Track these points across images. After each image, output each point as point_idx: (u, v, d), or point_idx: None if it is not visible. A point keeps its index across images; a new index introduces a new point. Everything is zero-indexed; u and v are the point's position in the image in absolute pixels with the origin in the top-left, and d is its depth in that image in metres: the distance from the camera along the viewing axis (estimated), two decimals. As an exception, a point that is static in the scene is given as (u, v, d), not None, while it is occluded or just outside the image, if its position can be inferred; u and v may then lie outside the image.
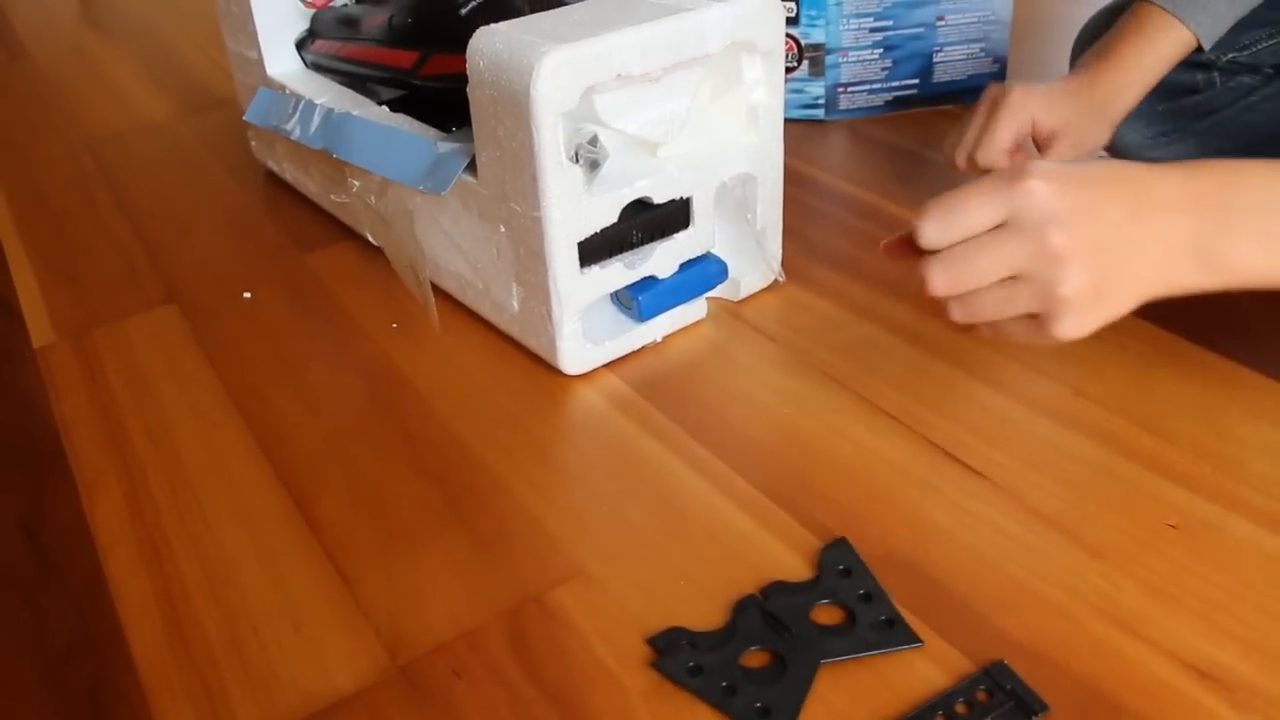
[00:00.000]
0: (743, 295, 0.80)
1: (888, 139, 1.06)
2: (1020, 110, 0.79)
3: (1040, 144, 0.81)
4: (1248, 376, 0.68)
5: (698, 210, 0.72)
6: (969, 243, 0.53)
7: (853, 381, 0.70)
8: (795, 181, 0.94)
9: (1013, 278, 0.53)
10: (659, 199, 0.70)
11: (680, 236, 0.73)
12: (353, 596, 0.56)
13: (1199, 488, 0.59)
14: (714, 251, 0.76)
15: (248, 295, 0.83)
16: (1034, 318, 0.54)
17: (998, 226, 0.53)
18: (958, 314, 0.56)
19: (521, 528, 0.60)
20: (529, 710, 0.50)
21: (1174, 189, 0.53)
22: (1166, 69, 0.80)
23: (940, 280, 0.54)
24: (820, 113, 1.11)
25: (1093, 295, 0.52)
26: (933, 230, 0.54)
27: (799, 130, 1.08)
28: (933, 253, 0.55)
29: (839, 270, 0.83)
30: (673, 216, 0.72)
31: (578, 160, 0.65)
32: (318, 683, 0.51)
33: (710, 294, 0.78)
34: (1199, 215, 0.52)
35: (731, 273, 0.78)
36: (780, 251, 0.81)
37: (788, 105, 0.87)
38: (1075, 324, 0.53)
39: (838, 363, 0.72)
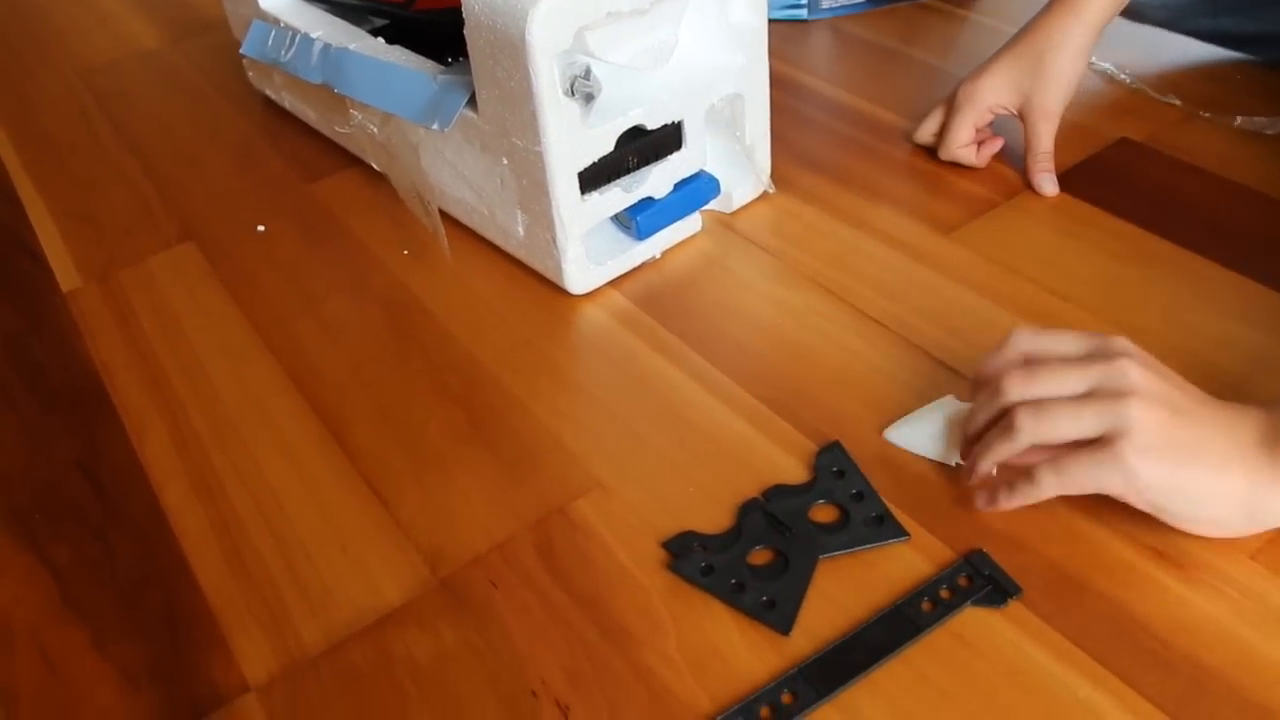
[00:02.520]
0: (735, 207, 0.84)
1: (870, 37, 1.08)
2: (972, 105, 0.82)
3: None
4: (1216, 271, 0.72)
5: (689, 132, 0.76)
6: (1060, 365, 0.54)
7: (841, 288, 0.74)
8: (780, 86, 0.96)
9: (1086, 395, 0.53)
10: (652, 125, 0.73)
11: (674, 158, 0.76)
12: (392, 517, 0.61)
13: (1162, 380, 0.64)
14: (706, 169, 0.79)
15: (261, 229, 0.87)
16: (1100, 446, 0.52)
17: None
18: (1027, 426, 0.53)
19: (541, 445, 0.65)
20: (560, 612, 0.55)
21: (1237, 408, 0.53)
22: None
23: (1016, 379, 0.54)
24: (803, 12, 1.12)
25: (1159, 431, 0.51)
26: (1017, 385, 0.54)
27: (782, 31, 1.10)
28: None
29: (826, 176, 0.86)
30: (666, 140, 0.75)
31: (573, 94, 0.68)
32: (369, 597, 0.57)
33: (704, 208, 0.81)
34: (1264, 428, 0.52)
35: (723, 187, 0.81)
36: (769, 163, 0.84)
37: (770, 6, 0.89)
38: (1140, 453, 0.51)
39: (827, 270, 0.76)
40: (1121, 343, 0.54)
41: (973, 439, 0.57)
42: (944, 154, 0.84)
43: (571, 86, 0.68)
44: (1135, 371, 0.52)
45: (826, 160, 0.89)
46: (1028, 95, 0.81)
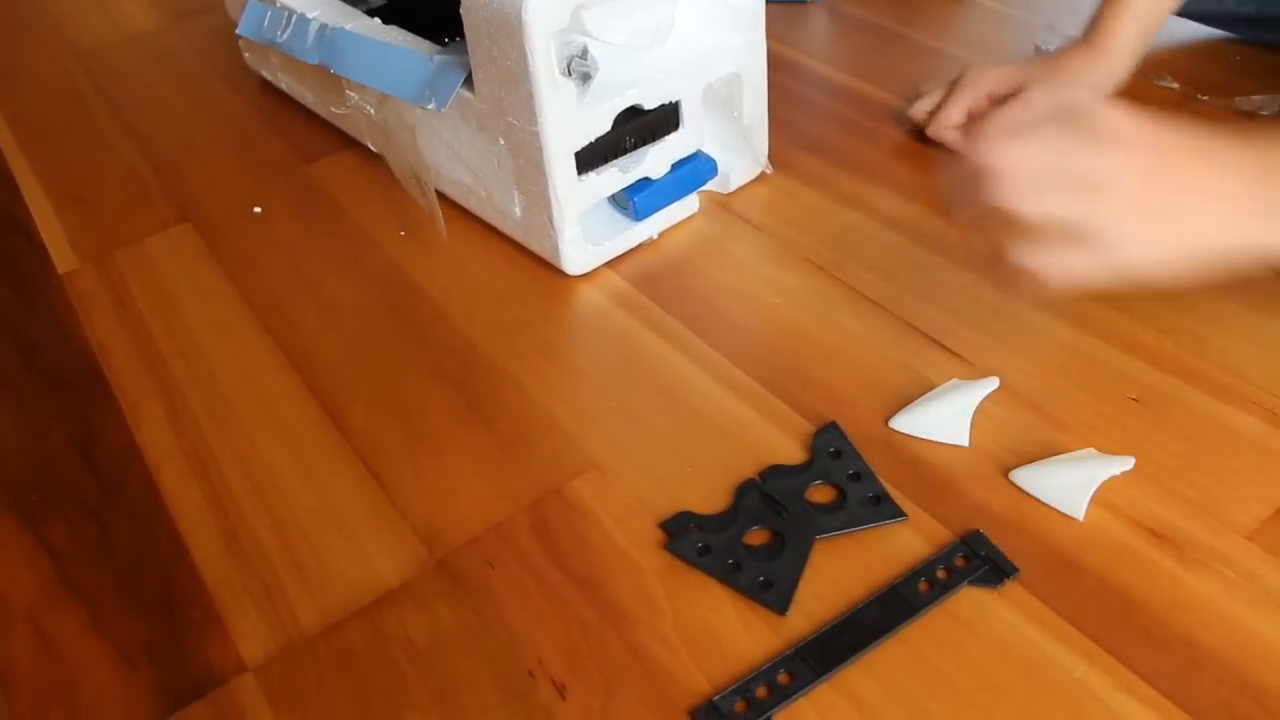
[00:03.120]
0: (733, 188, 0.83)
1: (868, 18, 1.08)
2: (974, 87, 0.82)
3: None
4: (1210, 250, 0.72)
5: (686, 112, 0.75)
6: (1039, 132, 0.52)
7: (838, 270, 0.74)
8: (778, 67, 0.96)
9: (1058, 170, 0.51)
10: (649, 105, 0.73)
11: (671, 138, 0.76)
12: (389, 497, 0.61)
13: (1160, 361, 0.64)
14: (703, 149, 0.79)
15: (258, 210, 0.87)
16: (1090, 245, 0.51)
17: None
18: (1015, 197, 0.51)
19: (538, 425, 0.65)
20: (557, 592, 0.55)
21: (1230, 154, 0.52)
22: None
23: (1005, 153, 0.51)
24: (802, -8, 1.12)
25: (1138, 216, 0.51)
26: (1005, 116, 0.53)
27: (780, 12, 1.09)
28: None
29: (823, 157, 0.86)
30: (663, 120, 0.75)
31: (570, 73, 0.68)
32: (366, 578, 0.57)
33: (701, 189, 0.81)
34: (1255, 176, 0.52)
35: (721, 167, 0.81)
36: (767, 144, 0.84)
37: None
38: (1131, 248, 0.51)
39: (824, 251, 0.76)
40: (1096, 117, 0.51)
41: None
42: (931, 131, 0.84)
43: (568, 66, 0.68)
44: (1116, 161, 0.51)
45: (824, 141, 0.89)
46: (1025, 92, 0.80)
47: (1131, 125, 0.51)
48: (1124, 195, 0.51)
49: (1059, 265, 0.52)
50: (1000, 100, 0.81)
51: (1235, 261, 0.53)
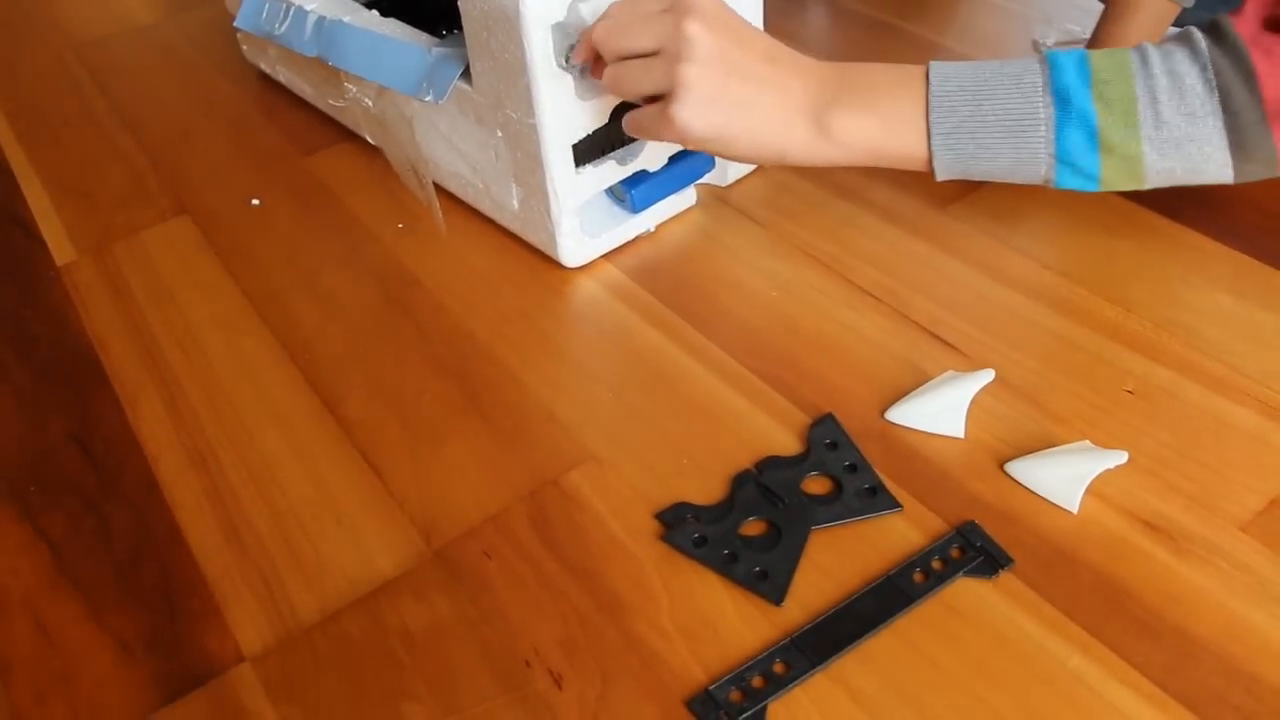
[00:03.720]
0: (730, 181, 0.83)
1: (866, 12, 1.08)
2: None
3: None
4: (1208, 245, 0.72)
5: (684, 105, 0.75)
6: (632, 64, 0.63)
7: (835, 262, 0.75)
8: (777, 61, 0.96)
9: (650, 56, 0.62)
10: (647, 97, 0.73)
11: (668, 131, 0.76)
12: (386, 489, 0.62)
13: (1156, 354, 0.64)
14: (701, 142, 0.79)
15: (256, 202, 0.87)
16: (661, 104, 0.62)
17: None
18: (606, 83, 0.64)
19: (535, 417, 0.65)
20: (554, 583, 0.56)
21: (806, 64, 0.63)
22: None
23: (599, 30, 0.63)
24: (800, -14, 1.12)
25: (711, 91, 0.61)
26: (601, 30, 0.63)
27: (778, 6, 1.09)
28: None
29: (821, 151, 0.86)
30: (660, 112, 0.75)
31: (567, 64, 0.68)
32: (363, 569, 0.57)
33: (699, 182, 0.81)
34: (819, 86, 0.62)
35: (718, 160, 0.81)
36: (764, 137, 0.84)
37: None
38: (690, 109, 0.61)
39: (820, 244, 0.76)
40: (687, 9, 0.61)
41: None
42: None
43: (566, 57, 0.68)
44: (696, 30, 0.60)
45: (822, 134, 0.89)
46: None
47: (725, 13, 0.62)
48: (695, 65, 0.60)
49: (634, 116, 0.65)
50: None
51: (791, 162, 0.64)
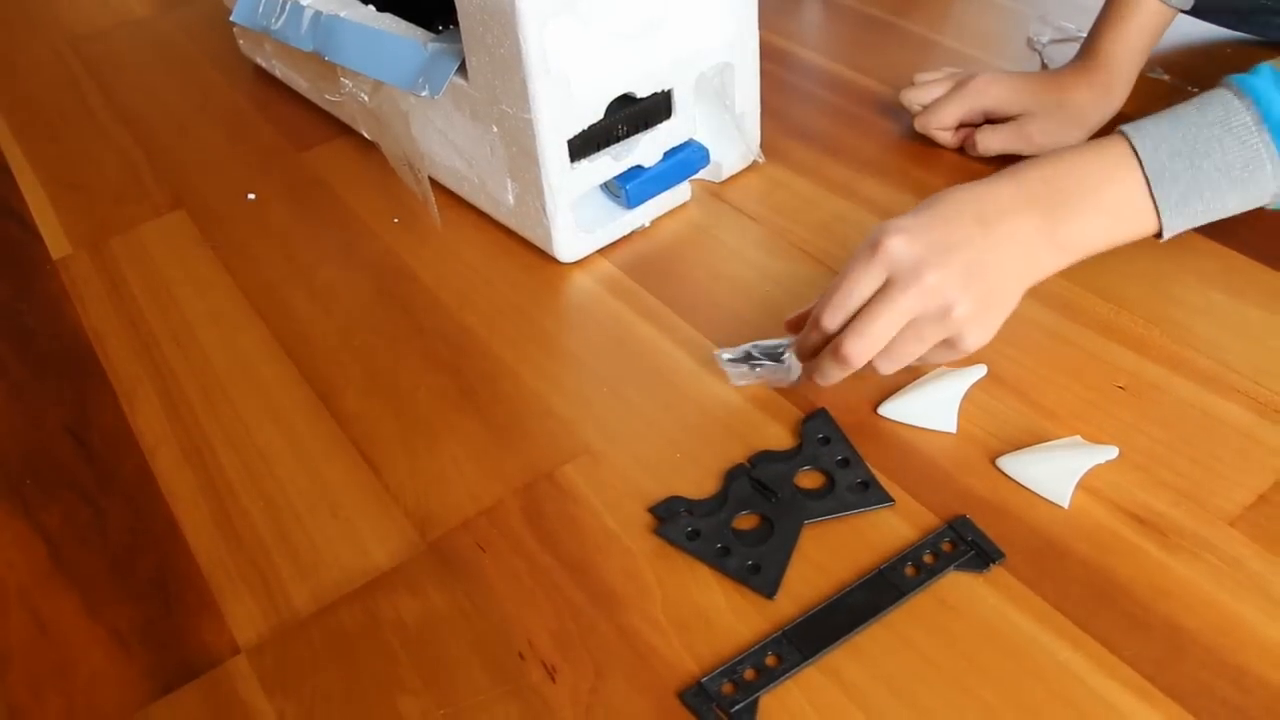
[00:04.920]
0: (725, 177, 0.84)
1: (862, 8, 1.08)
2: (978, 96, 0.82)
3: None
4: (1199, 242, 0.73)
5: (679, 101, 0.76)
6: (865, 310, 0.58)
7: (829, 258, 0.75)
8: (771, 57, 0.96)
9: (913, 321, 0.58)
10: (642, 93, 0.73)
11: (663, 126, 0.76)
12: (382, 482, 0.62)
13: (1147, 351, 0.65)
14: (696, 138, 0.79)
15: (252, 197, 0.87)
16: (946, 342, 0.59)
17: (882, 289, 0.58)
18: (885, 368, 0.60)
19: (530, 411, 0.66)
20: (548, 576, 0.56)
21: (1009, 197, 0.60)
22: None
23: (855, 349, 0.58)
24: (795, -18, 1.12)
25: (983, 307, 0.58)
26: (830, 317, 0.59)
27: (773, 2, 1.10)
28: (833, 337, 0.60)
29: (815, 147, 0.87)
30: (655, 108, 0.75)
31: (750, 362, 0.66)
32: (358, 561, 0.58)
33: (694, 178, 0.82)
34: (1035, 208, 0.59)
35: (713, 156, 0.81)
36: (759, 133, 0.84)
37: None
38: (979, 335, 0.59)
39: (814, 239, 0.77)
40: (881, 235, 0.58)
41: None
42: (920, 125, 0.84)
43: (748, 354, 0.66)
44: (914, 251, 0.57)
45: (816, 131, 0.89)
46: (1025, 127, 0.81)
47: (909, 231, 0.58)
48: (952, 297, 0.57)
49: (935, 359, 0.61)
50: (996, 120, 0.81)
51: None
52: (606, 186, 0.78)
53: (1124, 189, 0.60)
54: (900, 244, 0.57)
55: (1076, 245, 0.60)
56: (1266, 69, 0.60)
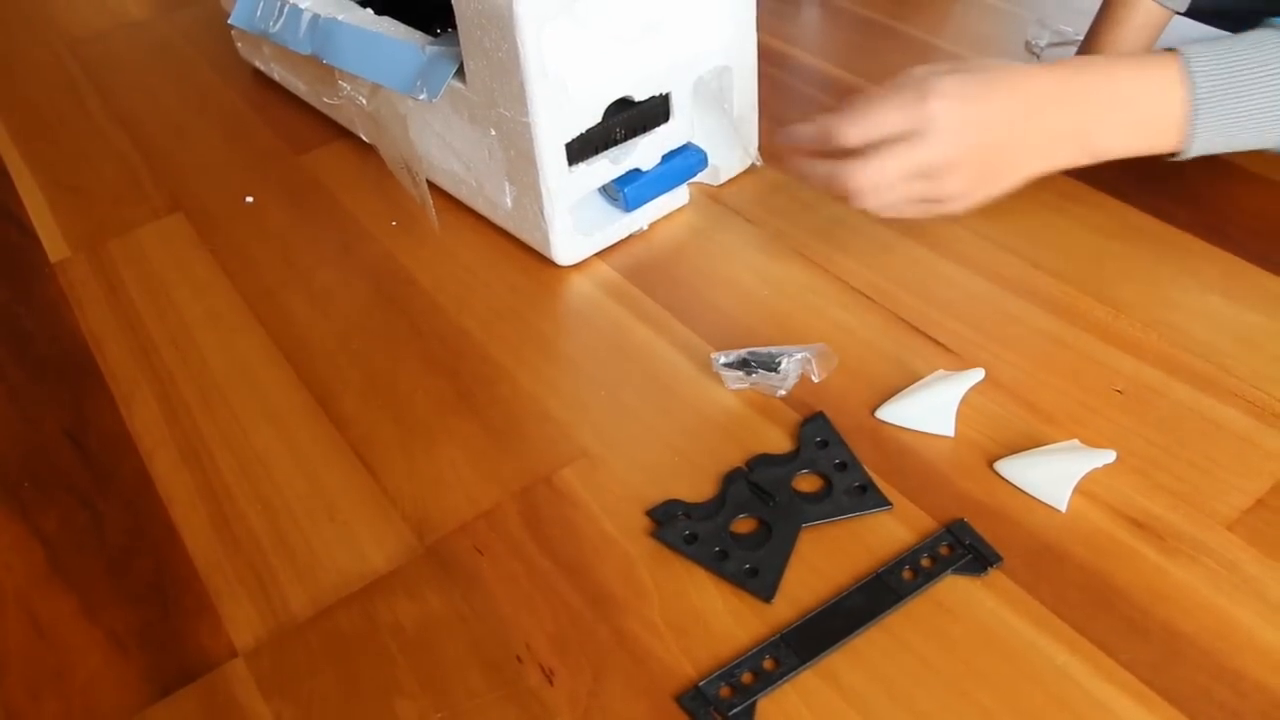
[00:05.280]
0: (723, 180, 0.84)
1: (859, 11, 1.08)
2: None
3: None
4: (1197, 246, 0.73)
5: (677, 104, 0.76)
6: (884, 149, 0.63)
7: (826, 261, 0.75)
8: (769, 60, 0.96)
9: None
10: (640, 97, 0.73)
11: (661, 130, 0.76)
12: (379, 485, 0.62)
13: (1145, 354, 0.65)
14: (694, 141, 0.79)
15: (250, 199, 0.87)
16: (928, 200, 0.66)
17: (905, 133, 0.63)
18: (872, 204, 0.65)
19: (528, 414, 0.66)
20: (545, 579, 0.56)
21: (1056, 86, 0.64)
22: None
23: (861, 178, 0.64)
24: (793, -15, 1.12)
25: (984, 187, 0.65)
26: (851, 133, 0.64)
27: (771, 5, 1.10)
28: (842, 153, 0.65)
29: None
30: (653, 112, 0.75)
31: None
32: (356, 564, 0.58)
33: (692, 181, 0.82)
34: (1080, 108, 0.64)
35: (711, 160, 0.81)
36: (757, 136, 0.84)
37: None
38: (962, 206, 0.66)
39: (812, 243, 0.77)
40: (929, 91, 0.63)
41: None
42: None
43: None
44: (951, 119, 0.62)
45: (815, 134, 0.89)
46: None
47: (959, 100, 0.62)
48: (960, 177, 0.64)
49: (888, 214, 0.67)
50: None
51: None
52: (605, 190, 0.78)
53: (1166, 108, 0.63)
54: (942, 109, 0.61)
55: (1102, 150, 0.64)
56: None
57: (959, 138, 0.62)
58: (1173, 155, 0.65)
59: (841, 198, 0.65)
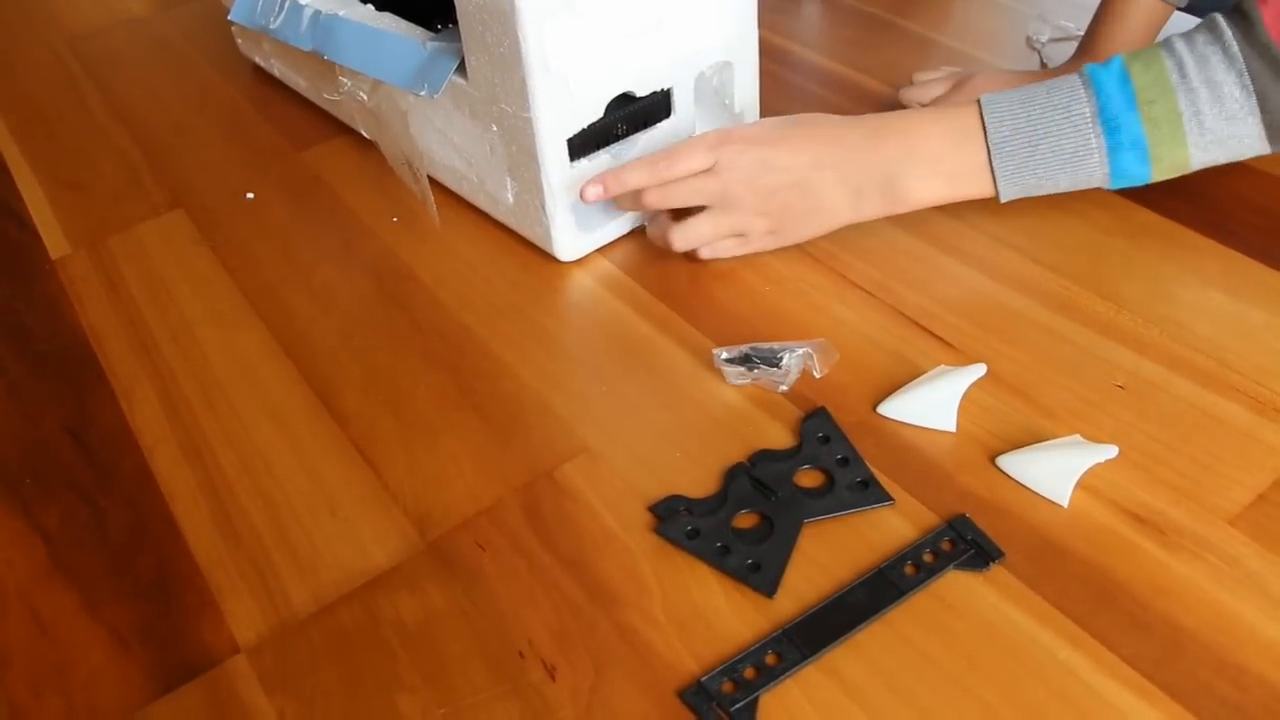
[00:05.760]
0: (724, 176, 0.84)
1: (860, 6, 1.08)
2: (977, 95, 0.81)
3: None
4: (1199, 241, 0.73)
5: (678, 100, 0.76)
6: (681, 181, 0.68)
7: (828, 257, 0.75)
8: (771, 56, 0.96)
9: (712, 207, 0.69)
10: (641, 92, 0.73)
11: (663, 125, 0.76)
12: (381, 481, 0.62)
13: (1146, 349, 0.65)
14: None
15: (250, 196, 0.87)
16: (740, 237, 0.71)
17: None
18: (678, 243, 0.71)
19: (529, 410, 0.66)
20: (548, 575, 0.56)
21: (862, 139, 0.68)
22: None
23: (653, 200, 0.69)
24: (794, -19, 1.12)
25: (778, 223, 0.70)
26: (648, 174, 0.69)
27: (772, 1, 1.10)
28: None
29: (815, 147, 0.86)
30: (655, 107, 0.75)
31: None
32: (358, 560, 0.58)
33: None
34: (884, 161, 0.67)
35: (713, 155, 0.81)
36: (758, 132, 0.84)
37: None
38: (769, 243, 0.72)
39: (815, 240, 0.76)
40: (730, 135, 0.68)
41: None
42: None
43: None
44: (741, 159, 0.67)
45: (816, 130, 0.89)
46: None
47: (751, 143, 0.68)
48: (758, 216, 0.69)
49: (705, 252, 0.73)
50: None
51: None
52: (606, 186, 0.78)
53: (968, 158, 0.66)
54: (734, 150, 0.67)
55: (914, 200, 0.68)
56: (1117, 62, 0.64)
57: (747, 177, 0.67)
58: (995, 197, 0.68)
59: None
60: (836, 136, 0.67)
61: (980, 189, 0.67)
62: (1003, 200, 0.68)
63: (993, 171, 0.66)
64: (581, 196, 0.69)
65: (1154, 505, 0.56)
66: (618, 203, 0.72)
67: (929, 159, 0.67)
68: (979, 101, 0.66)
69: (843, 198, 0.68)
